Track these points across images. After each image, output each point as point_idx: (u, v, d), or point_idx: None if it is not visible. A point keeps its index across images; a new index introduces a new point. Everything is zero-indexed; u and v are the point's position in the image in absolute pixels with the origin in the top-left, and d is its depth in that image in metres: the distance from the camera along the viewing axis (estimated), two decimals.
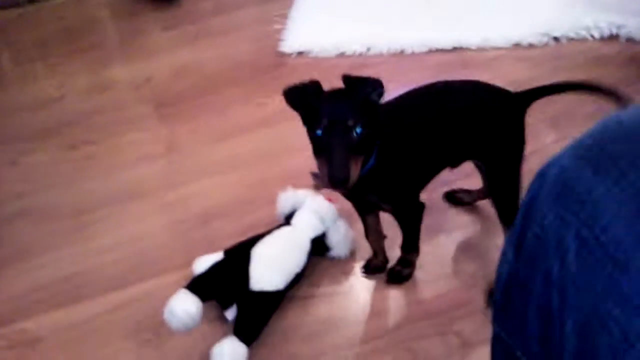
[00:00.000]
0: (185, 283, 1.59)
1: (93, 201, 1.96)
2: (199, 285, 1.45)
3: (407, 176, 1.40)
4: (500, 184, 1.47)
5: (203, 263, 1.57)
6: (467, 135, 1.41)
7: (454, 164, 1.49)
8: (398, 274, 1.58)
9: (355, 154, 1.21)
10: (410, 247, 1.54)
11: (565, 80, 1.48)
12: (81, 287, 1.70)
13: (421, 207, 1.47)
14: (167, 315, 1.38)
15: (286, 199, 1.69)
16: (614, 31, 2.37)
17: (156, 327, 1.54)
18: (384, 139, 1.30)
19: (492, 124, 1.41)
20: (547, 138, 1.96)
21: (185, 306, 1.37)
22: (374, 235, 1.58)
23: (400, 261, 1.58)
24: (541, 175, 0.69)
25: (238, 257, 1.51)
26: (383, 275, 1.61)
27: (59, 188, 2.03)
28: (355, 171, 1.21)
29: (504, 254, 0.74)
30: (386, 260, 1.61)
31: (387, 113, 1.36)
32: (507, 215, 1.49)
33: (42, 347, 1.57)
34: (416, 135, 1.37)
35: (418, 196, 1.46)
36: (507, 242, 0.75)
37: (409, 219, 1.49)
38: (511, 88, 1.45)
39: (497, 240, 1.66)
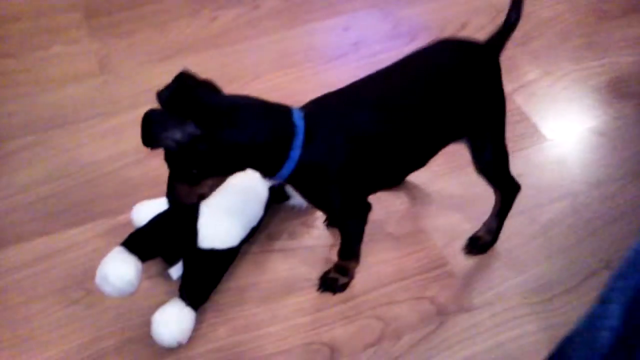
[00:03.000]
0: (120, 232, 1.38)
1: (11, 127, 1.67)
2: (138, 242, 1.24)
3: (350, 181, 1.13)
4: (493, 154, 1.26)
5: (143, 211, 1.35)
6: (443, 114, 1.15)
7: (431, 154, 1.22)
8: (332, 282, 1.35)
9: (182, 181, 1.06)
10: (349, 253, 1.32)
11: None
12: None
13: (364, 209, 1.21)
14: (99, 280, 1.17)
15: None
16: None
17: (86, 284, 1.34)
18: (313, 139, 1.05)
19: (471, 90, 1.16)
20: (529, 74, 1.78)
21: (120, 272, 1.16)
22: None
23: (337, 268, 1.35)
24: None
25: (184, 209, 1.29)
26: None
27: None
28: (189, 197, 1.09)
29: (603, 315, 0.54)
30: None
31: (324, 108, 1.10)
32: (505, 181, 1.32)
33: None
34: (369, 132, 1.09)
35: (364, 197, 1.20)
36: (612, 296, 0.54)
37: (349, 222, 1.25)
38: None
39: (478, 189, 1.49)
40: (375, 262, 1.39)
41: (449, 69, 1.15)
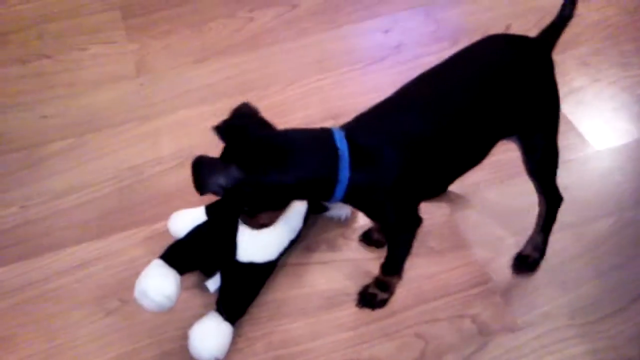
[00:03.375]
0: (157, 241, 1.37)
1: (47, 131, 1.67)
2: (176, 255, 1.22)
3: (405, 193, 1.09)
4: (544, 153, 1.21)
5: (180, 221, 1.34)
6: (494, 111, 1.10)
7: (483, 152, 1.17)
8: (371, 298, 1.32)
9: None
10: (393, 268, 1.28)
11: None
12: (34, 240, 1.45)
13: (417, 222, 1.17)
14: (138, 294, 1.15)
15: None
16: None
17: (123, 294, 1.33)
18: (361, 158, 1.01)
19: (523, 85, 1.11)
20: (576, 81, 1.72)
21: (160, 286, 1.14)
22: None
23: (377, 283, 1.32)
24: None
25: (223, 221, 1.26)
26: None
27: (6, 112, 1.73)
28: (251, 224, 1.13)
29: None
30: None
31: (368, 123, 1.06)
32: (551, 189, 1.27)
33: None
34: (420, 137, 1.05)
35: (416, 209, 1.17)
36: None
37: (399, 236, 1.21)
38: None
39: (522, 202, 1.42)
40: (416, 277, 1.35)
41: (499, 64, 1.10)
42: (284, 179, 0.98)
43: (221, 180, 0.95)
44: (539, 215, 1.32)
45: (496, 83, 1.08)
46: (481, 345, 1.25)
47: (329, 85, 1.74)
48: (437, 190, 1.30)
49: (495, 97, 1.08)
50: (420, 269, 1.36)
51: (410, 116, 1.05)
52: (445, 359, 1.24)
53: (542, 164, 1.23)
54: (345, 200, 1.05)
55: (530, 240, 1.35)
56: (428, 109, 1.06)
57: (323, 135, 1.01)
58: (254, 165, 0.96)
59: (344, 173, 1.00)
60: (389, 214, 1.12)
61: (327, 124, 1.09)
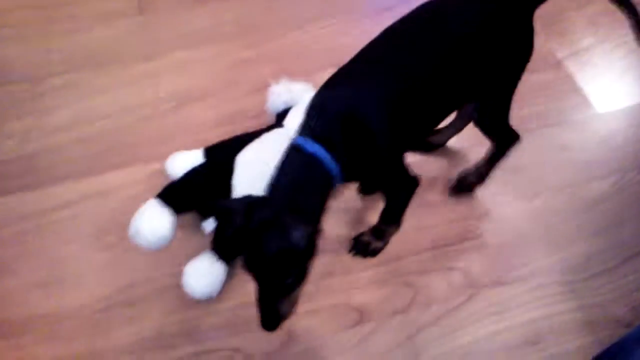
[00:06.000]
0: (157, 179, 1.37)
1: (49, 65, 1.66)
2: (173, 195, 1.22)
3: (394, 150, 1.09)
4: (494, 113, 1.22)
5: (177, 162, 1.34)
6: (471, 67, 1.09)
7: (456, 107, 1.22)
8: (365, 246, 1.33)
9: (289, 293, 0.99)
10: (392, 217, 1.28)
11: None
12: (33, 172, 1.45)
13: (415, 182, 1.17)
14: (133, 233, 1.16)
15: (278, 93, 1.42)
16: None
17: (121, 230, 1.32)
18: (340, 141, 1.00)
19: (499, 43, 1.10)
20: (584, 41, 1.69)
21: (154, 226, 1.15)
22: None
23: (374, 231, 1.32)
24: None
25: (220, 164, 1.27)
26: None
27: (7, 45, 1.71)
28: (289, 307, 1.01)
29: None
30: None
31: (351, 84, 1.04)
32: (503, 132, 1.27)
33: None
34: (404, 101, 1.03)
35: (409, 169, 1.16)
36: None
37: (399, 195, 1.21)
38: None
39: (521, 159, 1.43)
40: (410, 228, 1.35)
41: (474, 17, 1.08)
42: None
43: (302, 232, 0.92)
44: (489, 150, 1.33)
45: (471, 36, 1.06)
46: (468, 297, 1.27)
47: (332, 32, 1.72)
48: (418, 140, 1.35)
49: (468, 50, 1.07)
50: (414, 221, 1.36)
51: (386, 72, 1.03)
52: (432, 308, 1.26)
53: (489, 121, 1.24)
54: (347, 180, 1.04)
55: (477, 166, 1.38)
56: (403, 62, 1.04)
57: (294, 154, 1.01)
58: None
59: (332, 167, 0.99)
60: (388, 176, 1.13)
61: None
